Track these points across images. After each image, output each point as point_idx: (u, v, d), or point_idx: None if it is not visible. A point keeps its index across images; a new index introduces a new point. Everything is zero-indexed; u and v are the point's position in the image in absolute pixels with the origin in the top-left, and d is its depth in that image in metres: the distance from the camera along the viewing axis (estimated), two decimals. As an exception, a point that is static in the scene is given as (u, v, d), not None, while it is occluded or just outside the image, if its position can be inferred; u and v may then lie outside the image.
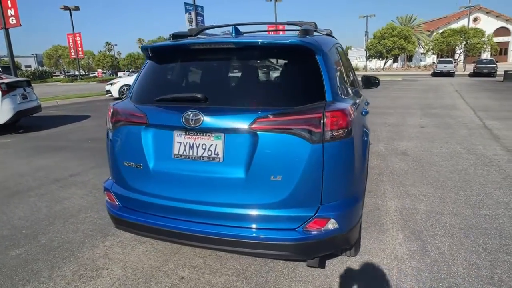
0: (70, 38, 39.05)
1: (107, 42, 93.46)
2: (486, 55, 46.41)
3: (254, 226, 2.00)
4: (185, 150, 2.07)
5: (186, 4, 22.85)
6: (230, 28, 2.48)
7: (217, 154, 2.01)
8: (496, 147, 6.02)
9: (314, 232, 1.95)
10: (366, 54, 51.30)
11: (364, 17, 50.00)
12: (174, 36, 2.56)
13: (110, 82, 17.68)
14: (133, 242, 3.04)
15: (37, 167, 5.50)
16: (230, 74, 2.40)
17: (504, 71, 24.08)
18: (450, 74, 31.99)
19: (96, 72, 60.99)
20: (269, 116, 1.91)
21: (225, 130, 1.98)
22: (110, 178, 2.54)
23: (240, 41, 2.19)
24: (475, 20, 51.32)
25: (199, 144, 2.04)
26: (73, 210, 3.77)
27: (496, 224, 3.20)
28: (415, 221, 3.29)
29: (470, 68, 34.25)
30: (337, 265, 2.57)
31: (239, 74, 2.38)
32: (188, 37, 2.62)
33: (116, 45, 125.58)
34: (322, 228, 1.96)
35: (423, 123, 8.64)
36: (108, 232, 3.24)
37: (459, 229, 3.11)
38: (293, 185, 1.91)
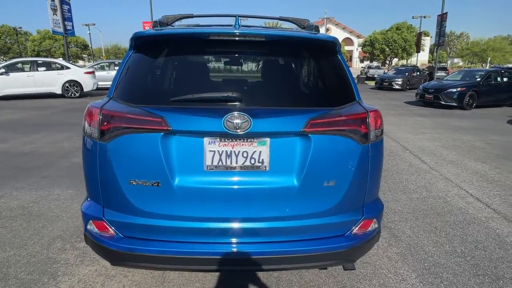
0: None
1: None
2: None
3: (306, 238, 1.86)
4: (220, 160, 1.75)
5: (46, -15, 19.19)
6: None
7: (262, 162, 1.77)
8: (387, 139, 7.18)
9: (361, 235, 1.94)
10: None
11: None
12: (158, 23, 2.16)
13: None
14: (98, 277, 2.45)
15: None
16: (256, 70, 2.13)
17: (357, 75, 28.96)
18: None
19: None
20: (322, 117, 1.77)
21: (271, 134, 1.76)
22: (90, 201, 1.95)
23: (273, 33, 1.95)
24: (327, 30, 59.73)
25: (239, 152, 1.76)
26: (-21, 252, 2.80)
27: (429, 205, 3.83)
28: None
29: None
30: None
31: (267, 71, 2.13)
32: (168, 26, 2.25)
33: None
34: (367, 230, 1.97)
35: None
36: (56, 271, 2.52)
37: (407, 213, 3.60)
38: (344, 189, 1.85)
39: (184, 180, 1.77)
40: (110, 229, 1.87)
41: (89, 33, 46.77)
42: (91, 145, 1.82)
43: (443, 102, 12.78)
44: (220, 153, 1.76)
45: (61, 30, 19.17)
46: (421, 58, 48.33)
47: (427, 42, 51.49)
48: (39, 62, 14.56)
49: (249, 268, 1.93)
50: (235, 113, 1.70)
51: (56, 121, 8.95)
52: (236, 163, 1.77)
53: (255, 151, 1.77)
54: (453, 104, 12.63)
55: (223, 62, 2.20)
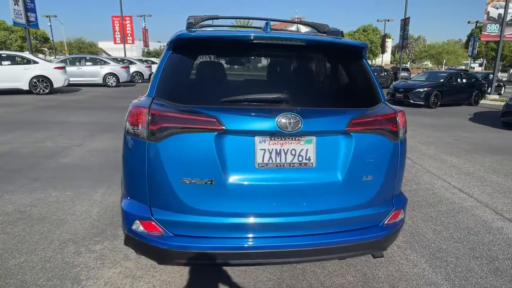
0: None
1: None
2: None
3: (348, 229, 1.99)
4: (270, 157, 1.83)
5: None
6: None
7: (309, 159, 1.88)
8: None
9: (392, 225, 2.11)
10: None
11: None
12: (193, 24, 2.21)
13: None
14: (125, 279, 2.43)
15: None
16: (295, 73, 2.22)
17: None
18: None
19: None
20: (361, 117, 1.92)
21: (317, 133, 1.87)
22: (132, 200, 1.94)
23: (312, 39, 2.06)
24: (297, 30, 60.81)
25: (287, 150, 1.85)
26: (-11, 259, 2.66)
27: (421, 197, 4.13)
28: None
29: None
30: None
31: (306, 73, 2.23)
32: (195, 26, 2.30)
33: None
34: (396, 220, 2.14)
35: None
36: (77, 275, 2.46)
37: (404, 205, 3.85)
38: (380, 182, 2.00)
39: (236, 177, 1.83)
40: (160, 228, 1.88)
41: (50, 25, 44.28)
42: (137, 145, 1.82)
43: (412, 101, 13.54)
44: (270, 151, 1.84)
45: (23, 21, 18.06)
46: (384, 59, 50.52)
47: (389, 44, 53.88)
48: (2, 55, 13.61)
49: (300, 260, 2.03)
50: (288, 113, 1.79)
51: (30, 119, 8.48)
52: (285, 160, 1.86)
53: (302, 149, 1.87)
54: (421, 103, 13.42)
55: (261, 64, 2.28)
